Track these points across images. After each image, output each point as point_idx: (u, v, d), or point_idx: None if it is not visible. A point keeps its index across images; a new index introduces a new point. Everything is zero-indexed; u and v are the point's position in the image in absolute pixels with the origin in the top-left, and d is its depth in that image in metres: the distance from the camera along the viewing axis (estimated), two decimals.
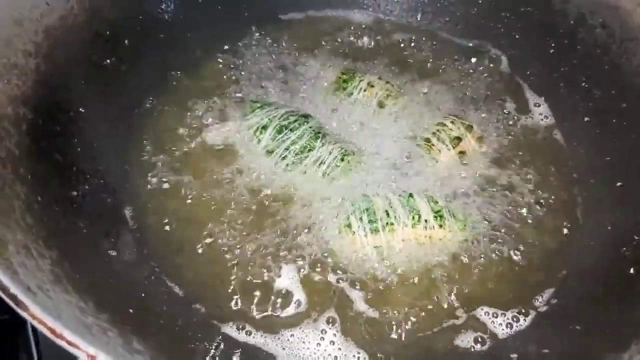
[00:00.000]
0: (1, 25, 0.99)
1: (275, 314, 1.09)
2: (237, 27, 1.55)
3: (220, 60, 1.49)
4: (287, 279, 1.13)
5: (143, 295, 1.04)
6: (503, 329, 1.09)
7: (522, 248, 1.20)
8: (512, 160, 1.35)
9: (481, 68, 1.55)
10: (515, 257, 1.19)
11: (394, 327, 1.08)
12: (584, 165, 1.33)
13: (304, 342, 1.06)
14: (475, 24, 1.59)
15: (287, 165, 1.26)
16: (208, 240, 1.17)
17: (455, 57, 1.58)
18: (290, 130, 1.27)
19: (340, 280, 1.13)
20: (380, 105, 1.40)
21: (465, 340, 1.08)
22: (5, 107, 0.94)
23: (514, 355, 1.03)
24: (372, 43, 1.60)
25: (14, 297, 0.68)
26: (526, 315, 1.11)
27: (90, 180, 1.12)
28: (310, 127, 1.28)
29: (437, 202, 1.19)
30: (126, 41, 1.31)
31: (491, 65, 1.55)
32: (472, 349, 1.07)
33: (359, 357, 1.04)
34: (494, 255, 1.18)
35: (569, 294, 1.12)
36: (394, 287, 1.12)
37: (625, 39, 1.25)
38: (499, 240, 1.20)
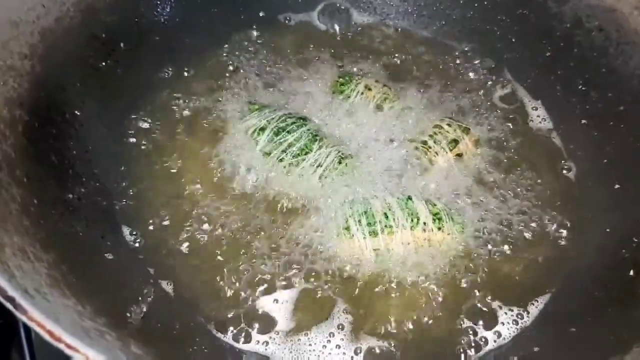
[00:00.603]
0: None
1: (273, 317, 1.08)
2: (234, 29, 1.54)
3: (217, 63, 1.48)
4: (284, 282, 1.12)
5: (140, 298, 1.03)
6: (503, 331, 1.09)
7: (520, 250, 1.20)
8: (510, 162, 1.35)
9: (477, 71, 1.55)
10: (513, 260, 1.18)
11: (393, 329, 1.08)
12: (581, 167, 1.33)
13: (310, 345, 1.06)
14: (471, 28, 1.59)
15: (285, 167, 1.26)
16: (205, 244, 1.16)
17: (451, 60, 1.58)
18: (288, 132, 1.27)
19: (339, 283, 1.12)
20: (378, 108, 1.40)
21: (465, 342, 1.08)
22: (0, 109, 0.93)
23: (514, 358, 1.03)
24: (369, 46, 1.60)
25: (11, 300, 0.67)
26: (526, 317, 1.11)
27: (86, 183, 1.12)
28: (307, 130, 1.28)
29: (435, 205, 1.19)
30: (122, 44, 1.30)
31: (487, 68, 1.55)
32: (472, 351, 1.07)
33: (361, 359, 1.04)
34: (492, 258, 1.18)
35: (569, 296, 1.12)
36: (393, 290, 1.12)
37: (622, 42, 1.25)
38: (497, 243, 1.20)
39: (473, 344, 1.07)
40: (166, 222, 1.19)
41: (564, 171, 1.34)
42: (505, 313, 1.11)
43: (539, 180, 1.32)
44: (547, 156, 1.37)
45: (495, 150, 1.37)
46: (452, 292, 1.13)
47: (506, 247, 1.20)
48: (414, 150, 1.33)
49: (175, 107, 1.38)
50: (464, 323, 1.10)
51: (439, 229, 1.16)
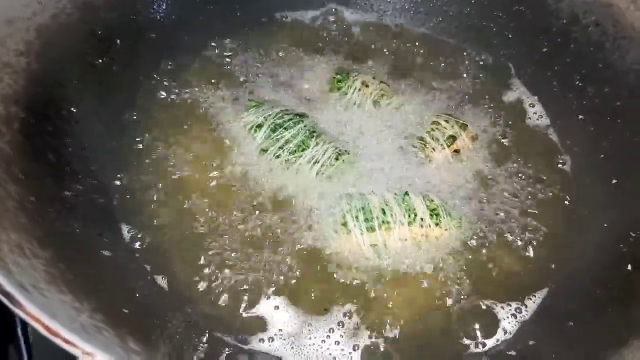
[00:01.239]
0: None
1: (271, 313, 1.08)
2: (231, 26, 1.54)
3: (214, 60, 1.48)
4: (282, 278, 1.12)
5: (137, 295, 1.03)
6: (501, 327, 1.09)
7: (518, 246, 1.20)
8: (507, 158, 1.35)
9: (475, 67, 1.56)
10: (511, 255, 1.19)
11: (392, 325, 1.08)
12: (579, 163, 1.33)
13: (309, 339, 1.06)
14: (468, 24, 1.59)
15: (282, 163, 1.25)
16: (202, 241, 1.16)
17: (448, 56, 1.58)
18: (285, 129, 1.27)
19: (336, 279, 1.12)
20: (375, 104, 1.40)
21: (464, 338, 1.08)
22: None
23: (512, 353, 1.03)
24: (366, 43, 1.60)
25: (8, 295, 0.67)
26: (524, 312, 1.11)
27: (83, 180, 1.11)
28: (305, 126, 1.28)
29: (432, 201, 1.19)
30: (119, 41, 1.30)
31: (485, 64, 1.56)
32: (471, 347, 1.07)
33: (360, 356, 1.04)
34: (489, 253, 1.18)
35: (567, 292, 1.12)
36: (391, 286, 1.12)
37: (619, 37, 1.26)
38: (494, 239, 1.20)
39: (471, 339, 1.08)
40: (163, 219, 1.19)
41: (561, 166, 1.35)
42: (503, 308, 1.11)
43: (536, 176, 1.32)
44: (544, 152, 1.38)
45: (493, 146, 1.37)
46: (450, 287, 1.13)
47: (502, 242, 1.20)
48: (411, 146, 1.33)
49: (172, 104, 1.37)
50: (462, 318, 1.10)
51: (437, 224, 1.16)
